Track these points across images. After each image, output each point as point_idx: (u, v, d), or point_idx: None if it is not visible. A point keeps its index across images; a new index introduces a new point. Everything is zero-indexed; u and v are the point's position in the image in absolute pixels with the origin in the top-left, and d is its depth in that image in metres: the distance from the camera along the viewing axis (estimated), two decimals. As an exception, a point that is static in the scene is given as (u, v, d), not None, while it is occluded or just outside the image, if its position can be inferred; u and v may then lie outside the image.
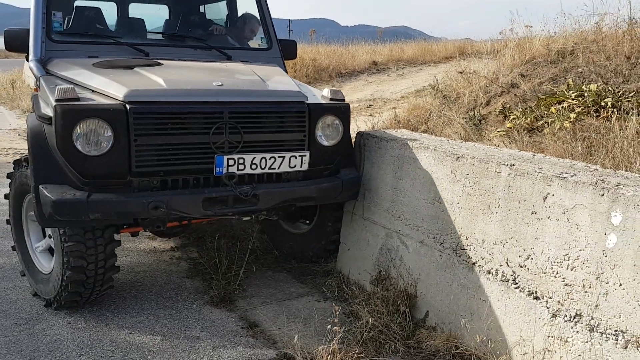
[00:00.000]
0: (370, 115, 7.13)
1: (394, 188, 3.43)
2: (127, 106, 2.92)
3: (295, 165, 3.32)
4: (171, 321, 3.37)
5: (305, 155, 3.33)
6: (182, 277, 3.98)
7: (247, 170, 3.19)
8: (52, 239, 3.43)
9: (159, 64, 3.50)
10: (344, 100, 3.57)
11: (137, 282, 3.89)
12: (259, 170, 3.22)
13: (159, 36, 4.41)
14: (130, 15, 4.68)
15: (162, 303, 3.59)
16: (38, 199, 2.96)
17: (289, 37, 21.15)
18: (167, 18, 4.69)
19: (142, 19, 4.42)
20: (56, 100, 2.85)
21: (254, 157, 3.18)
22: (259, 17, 4.39)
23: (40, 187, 2.95)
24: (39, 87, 3.33)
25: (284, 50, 4.34)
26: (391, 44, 14.06)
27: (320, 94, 3.60)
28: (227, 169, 3.13)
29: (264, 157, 3.21)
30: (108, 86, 3.08)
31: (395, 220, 3.42)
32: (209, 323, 3.34)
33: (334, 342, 2.71)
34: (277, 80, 3.69)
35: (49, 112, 2.93)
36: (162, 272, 4.08)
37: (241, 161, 3.16)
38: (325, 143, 3.43)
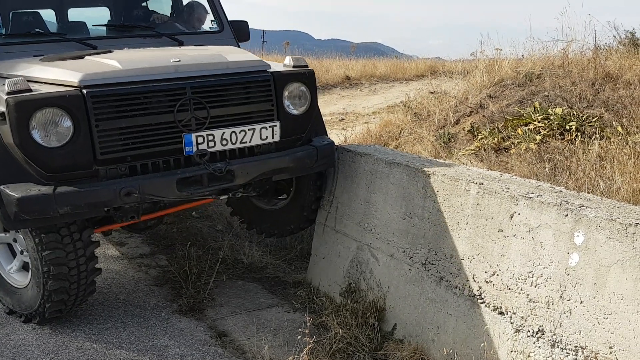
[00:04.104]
0: (343, 129, 7.21)
1: (366, 202, 3.49)
2: (84, 91, 2.82)
3: (267, 137, 3.27)
4: (139, 329, 3.34)
5: (275, 126, 3.29)
6: (151, 285, 3.95)
7: (218, 147, 3.12)
8: (24, 255, 3.28)
9: (110, 52, 3.41)
10: (307, 66, 3.54)
11: (105, 289, 3.84)
12: (230, 146, 3.16)
13: (105, 31, 4.23)
14: (70, 20, 4.54)
15: (130, 310, 3.56)
16: (0, 199, 2.84)
17: (262, 47, 21.14)
18: (110, 19, 4.57)
19: (84, 22, 4.31)
20: (7, 93, 2.73)
21: (224, 132, 3.12)
22: (206, 3, 4.28)
23: (1, 187, 2.83)
24: None
25: (236, 32, 4.27)
26: (364, 60, 14.22)
27: (282, 64, 3.56)
28: (197, 147, 3.06)
29: (234, 132, 3.15)
30: (60, 75, 2.97)
31: (367, 233, 3.48)
32: (178, 332, 3.33)
33: (304, 352, 2.74)
34: (235, 53, 3.64)
35: (1, 108, 2.80)
36: (130, 279, 4.04)
37: (210, 137, 3.09)
38: (294, 112, 3.40)
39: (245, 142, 3.21)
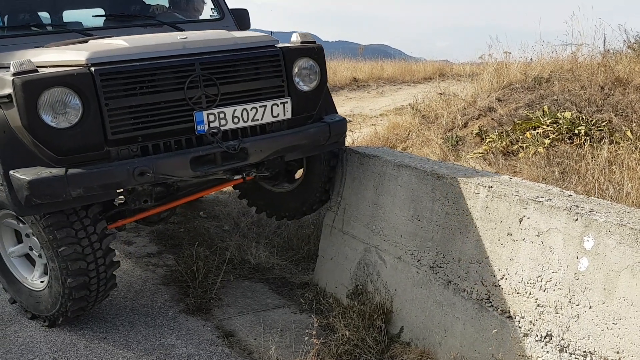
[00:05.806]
0: (350, 130, 7.21)
1: (374, 204, 3.49)
2: (92, 69, 2.77)
3: (278, 114, 3.24)
4: (146, 328, 3.36)
5: (286, 102, 3.26)
6: (158, 284, 3.96)
7: (230, 125, 3.09)
8: (33, 250, 3.27)
9: (113, 37, 3.37)
10: (315, 42, 3.51)
11: (112, 288, 3.85)
12: (241, 124, 3.13)
13: (103, 24, 4.19)
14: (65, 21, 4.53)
15: (137, 309, 3.58)
16: (10, 185, 2.78)
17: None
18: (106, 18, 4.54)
19: (80, 22, 4.24)
20: (13, 74, 2.67)
21: (235, 110, 3.09)
22: None
23: (10, 172, 2.77)
24: None
25: (237, 20, 4.24)
26: (371, 62, 14.19)
27: (289, 41, 3.53)
28: (209, 125, 3.03)
29: (245, 109, 3.12)
30: (66, 56, 2.93)
31: (374, 235, 3.48)
32: (185, 331, 3.34)
33: (311, 354, 2.74)
34: (241, 32, 3.62)
35: (7, 90, 2.72)
36: (138, 278, 4.06)
37: (222, 115, 3.06)
38: (304, 88, 3.38)
39: (257, 120, 3.18)
